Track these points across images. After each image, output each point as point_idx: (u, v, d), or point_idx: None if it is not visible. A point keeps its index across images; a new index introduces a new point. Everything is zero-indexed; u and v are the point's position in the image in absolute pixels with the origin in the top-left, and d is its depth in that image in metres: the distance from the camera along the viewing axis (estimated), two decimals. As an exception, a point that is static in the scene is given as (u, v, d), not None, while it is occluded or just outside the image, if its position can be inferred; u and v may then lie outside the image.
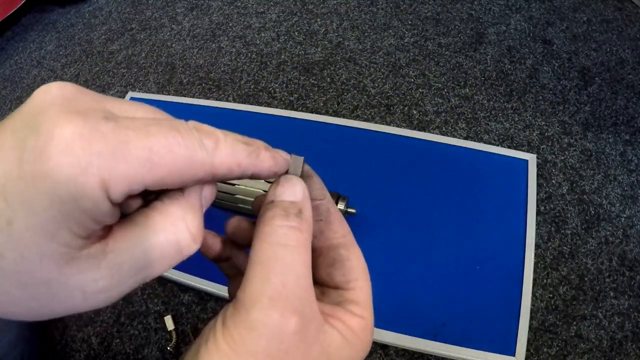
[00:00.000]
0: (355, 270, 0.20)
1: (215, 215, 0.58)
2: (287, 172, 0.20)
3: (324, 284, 0.20)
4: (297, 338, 0.15)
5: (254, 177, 0.17)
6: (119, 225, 0.14)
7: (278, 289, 0.15)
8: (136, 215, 0.15)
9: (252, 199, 0.22)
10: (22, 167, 0.11)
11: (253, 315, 0.15)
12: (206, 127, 0.15)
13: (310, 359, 0.16)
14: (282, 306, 0.15)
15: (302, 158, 0.19)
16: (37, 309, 0.13)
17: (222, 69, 0.83)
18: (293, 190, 0.18)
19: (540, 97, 0.73)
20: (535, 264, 0.56)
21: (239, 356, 0.15)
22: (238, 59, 0.85)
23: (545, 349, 0.51)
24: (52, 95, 0.13)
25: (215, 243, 0.21)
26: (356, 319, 0.18)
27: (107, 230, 0.14)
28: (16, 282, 0.12)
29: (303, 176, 0.19)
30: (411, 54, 0.81)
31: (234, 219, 0.21)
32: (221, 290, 0.54)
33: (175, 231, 0.15)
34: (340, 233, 0.20)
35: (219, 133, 0.15)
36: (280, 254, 0.16)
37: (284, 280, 0.16)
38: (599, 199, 0.62)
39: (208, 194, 0.17)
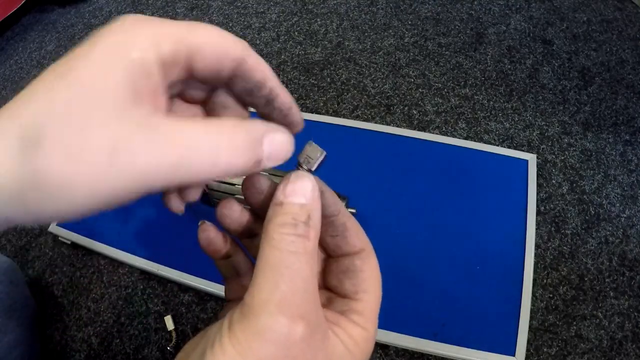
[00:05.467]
0: (366, 282, 0.19)
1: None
2: (299, 167, 0.19)
3: (332, 290, 0.20)
4: (303, 344, 0.16)
5: (270, 107, 0.18)
6: None
7: (286, 296, 0.15)
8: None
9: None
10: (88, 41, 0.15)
11: (261, 320, 0.15)
12: None
13: None
14: (290, 312, 0.15)
15: (324, 152, 0.18)
16: (62, 158, 0.13)
17: (222, 69, 0.83)
18: (303, 191, 0.18)
19: (540, 97, 0.73)
20: (535, 264, 0.56)
21: None
22: (238, 59, 0.84)
23: (545, 349, 0.51)
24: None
25: (218, 237, 0.21)
26: (358, 329, 0.18)
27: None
28: (60, 116, 0.13)
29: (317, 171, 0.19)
30: (411, 54, 0.81)
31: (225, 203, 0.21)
32: (221, 290, 0.54)
33: (233, 128, 0.15)
34: (359, 246, 0.20)
35: None
36: (289, 261, 0.16)
37: (293, 287, 0.16)
38: (599, 199, 0.62)
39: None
